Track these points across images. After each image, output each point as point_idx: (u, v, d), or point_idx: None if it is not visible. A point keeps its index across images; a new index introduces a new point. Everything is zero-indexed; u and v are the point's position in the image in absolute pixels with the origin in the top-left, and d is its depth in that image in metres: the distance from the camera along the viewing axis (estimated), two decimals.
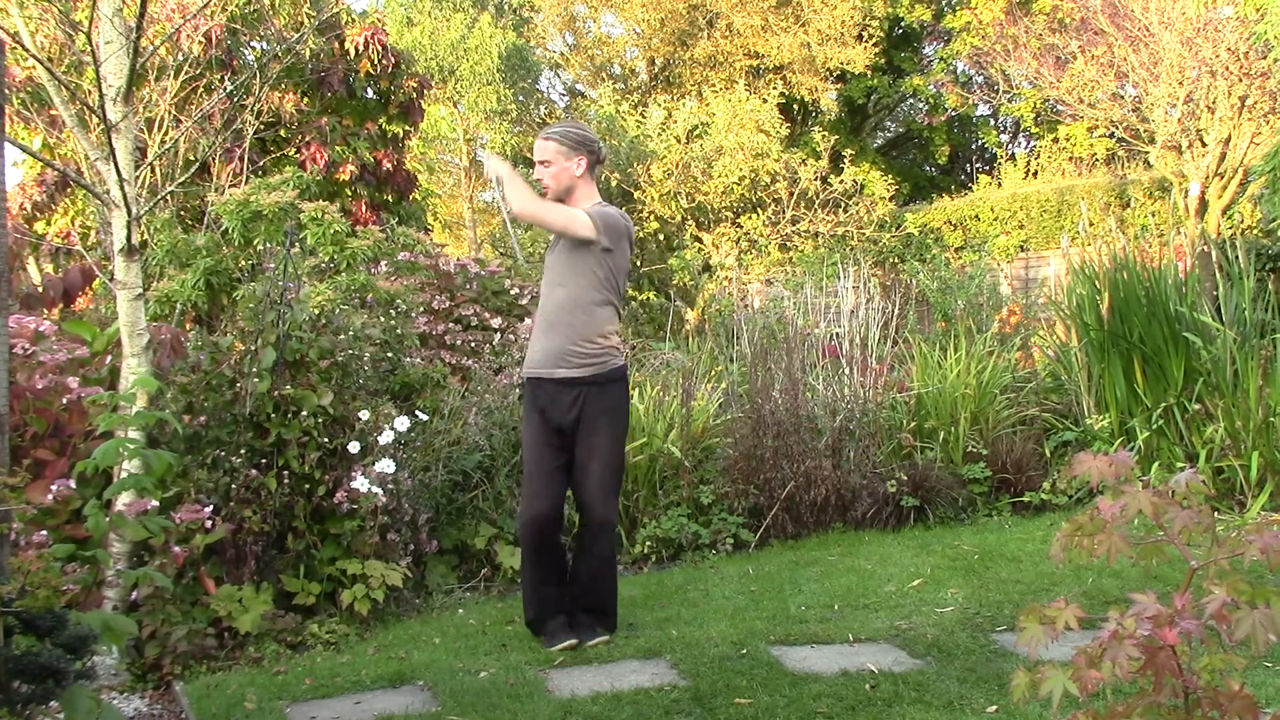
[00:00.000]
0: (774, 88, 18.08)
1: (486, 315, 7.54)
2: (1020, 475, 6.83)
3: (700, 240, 16.17)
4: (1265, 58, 13.12)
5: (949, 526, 6.52)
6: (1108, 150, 18.36)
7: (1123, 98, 16.24)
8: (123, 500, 4.30)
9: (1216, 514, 5.98)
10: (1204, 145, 14.77)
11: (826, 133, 18.91)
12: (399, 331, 6.28)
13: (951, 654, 4.14)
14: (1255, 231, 13.18)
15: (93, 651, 2.68)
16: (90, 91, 6.06)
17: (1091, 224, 13.80)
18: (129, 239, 4.51)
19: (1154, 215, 15.28)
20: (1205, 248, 8.78)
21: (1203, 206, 14.65)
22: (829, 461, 6.56)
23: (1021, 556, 5.60)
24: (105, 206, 4.63)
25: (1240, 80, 14.15)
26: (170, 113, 8.74)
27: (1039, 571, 5.27)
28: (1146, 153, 15.74)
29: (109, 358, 5.27)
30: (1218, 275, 7.37)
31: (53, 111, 8.63)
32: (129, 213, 4.47)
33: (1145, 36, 14.94)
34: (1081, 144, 19.11)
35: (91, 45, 4.21)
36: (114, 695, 4.14)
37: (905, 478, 6.57)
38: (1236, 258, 7.35)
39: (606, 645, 4.46)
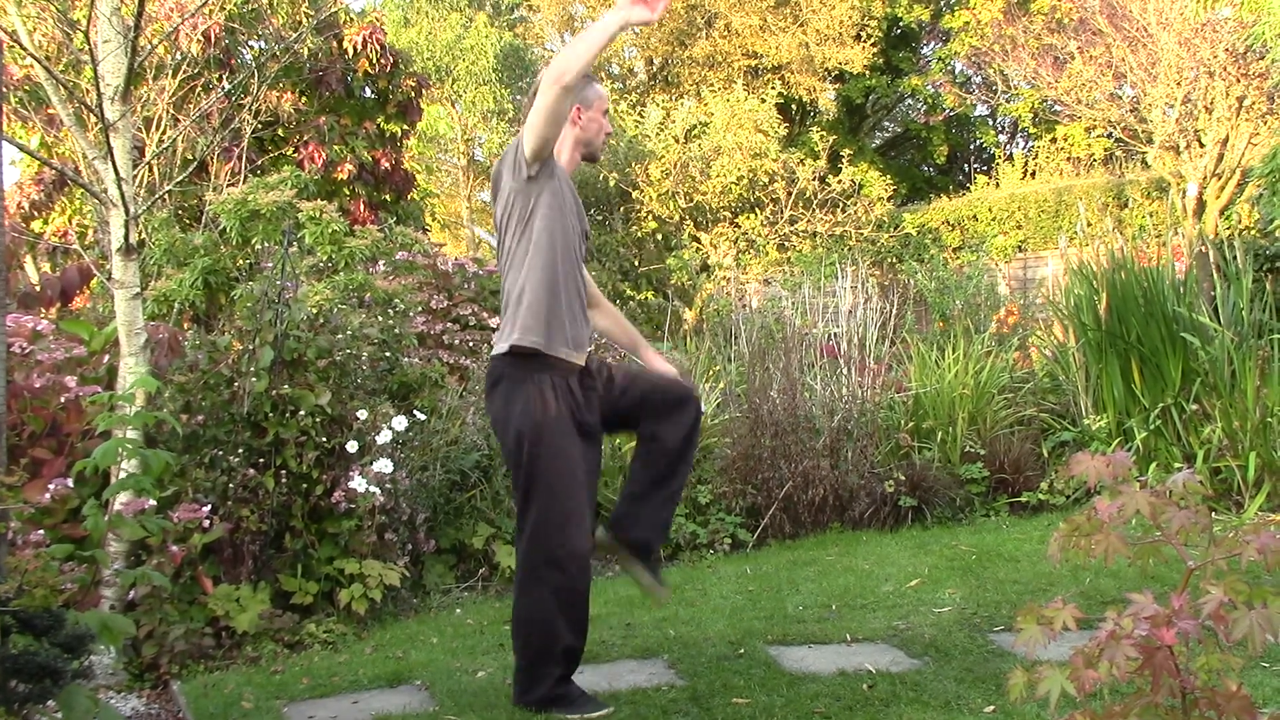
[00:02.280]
0: (772, 87, 18.08)
1: (484, 315, 7.54)
2: (1018, 475, 6.84)
3: (698, 240, 16.17)
4: (1263, 59, 13.14)
5: (947, 526, 6.53)
6: (1105, 150, 18.38)
7: (1120, 98, 16.24)
8: (120, 499, 4.29)
9: (1214, 514, 5.99)
10: (1202, 146, 14.79)
11: (825, 132, 18.92)
12: (397, 331, 6.28)
13: (949, 654, 4.14)
14: (1253, 232, 13.17)
15: (90, 651, 2.68)
16: (88, 90, 6.06)
17: (1089, 224, 13.82)
18: (126, 238, 4.50)
19: (1152, 215, 15.29)
20: (1203, 248, 8.78)
21: (1200, 207, 14.66)
22: (827, 461, 6.57)
23: (1019, 556, 5.61)
24: (103, 205, 4.63)
25: (1238, 81, 14.16)
26: (168, 112, 8.73)
27: (1036, 571, 5.27)
28: (1144, 153, 15.75)
29: (106, 357, 5.26)
30: (1215, 276, 7.37)
31: (50, 110, 8.62)
32: (127, 212, 4.46)
33: (1143, 37, 14.95)
34: (1079, 144, 19.13)
35: (89, 44, 4.21)
36: (111, 694, 4.14)
37: (903, 478, 6.58)
38: (1234, 258, 7.35)
39: (604, 645, 4.46)
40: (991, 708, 3.54)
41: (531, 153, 3.54)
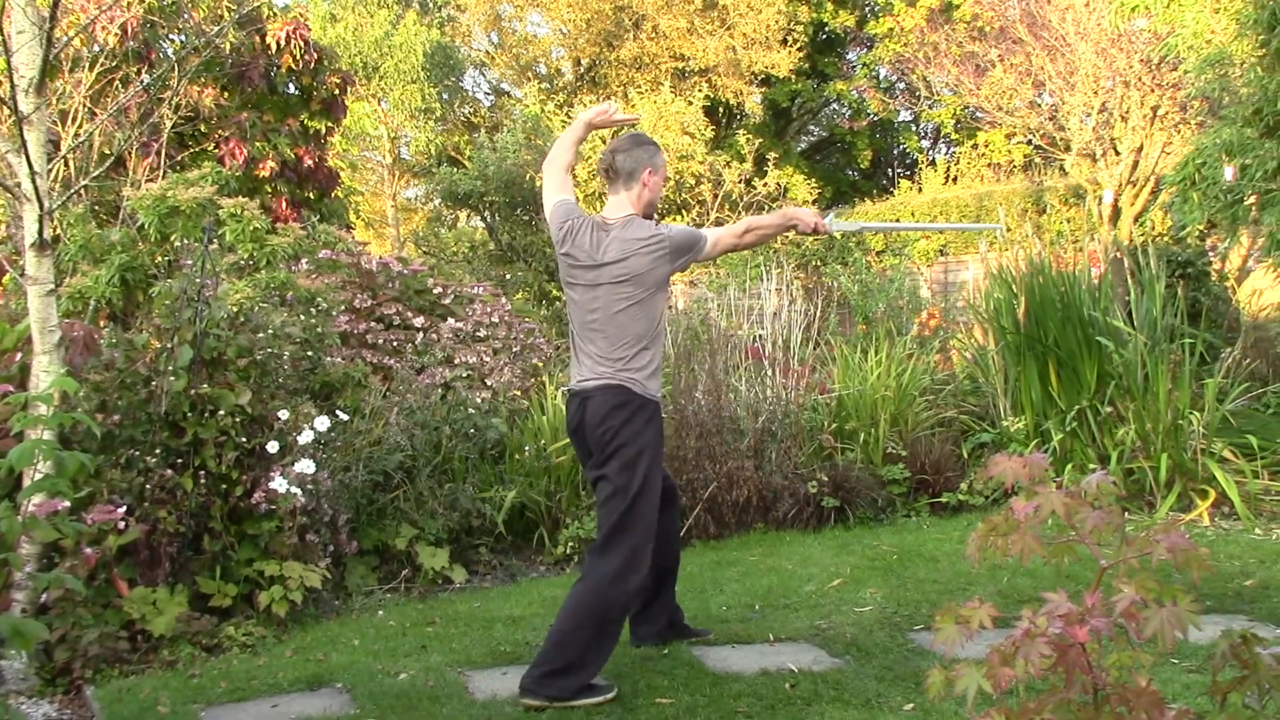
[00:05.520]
0: (699, 90, 18.16)
1: (409, 314, 7.48)
2: (938, 476, 6.93)
3: None
4: (1176, 70, 13.45)
5: (868, 527, 6.60)
6: (1025, 157, 18.72)
7: (1040, 106, 16.55)
8: (34, 501, 4.20)
9: (1126, 514, 6.12)
10: (1117, 154, 15.12)
11: (751, 136, 19.02)
12: (319, 330, 6.21)
13: (870, 653, 4.19)
14: (1166, 238, 13.49)
15: (1, 656, 2.62)
16: (1, 82, 5.92)
17: (1009, 229, 14.03)
18: (41, 233, 4.41)
19: (1069, 221, 15.59)
20: (1118, 254, 8.97)
21: (1116, 213, 14.98)
22: (751, 462, 6.60)
23: (939, 556, 5.68)
24: (16, 200, 4.53)
25: (1152, 91, 14.50)
26: (85, 105, 8.55)
27: (956, 571, 5.35)
28: (1062, 160, 16.07)
29: (19, 355, 5.14)
30: (1129, 281, 7.54)
31: None
32: (41, 207, 4.37)
33: (1062, 46, 15.25)
34: (1000, 150, 19.46)
35: (2, 35, 4.11)
36: (22, 700, 4.04)
37: (826, 479, 6.63)
38: (1148, 264, 7.52)
39: (527, 646, 4.45)
40: (911, 705, 3.59)
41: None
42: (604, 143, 12.44)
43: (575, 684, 3.77)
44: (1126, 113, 14.83)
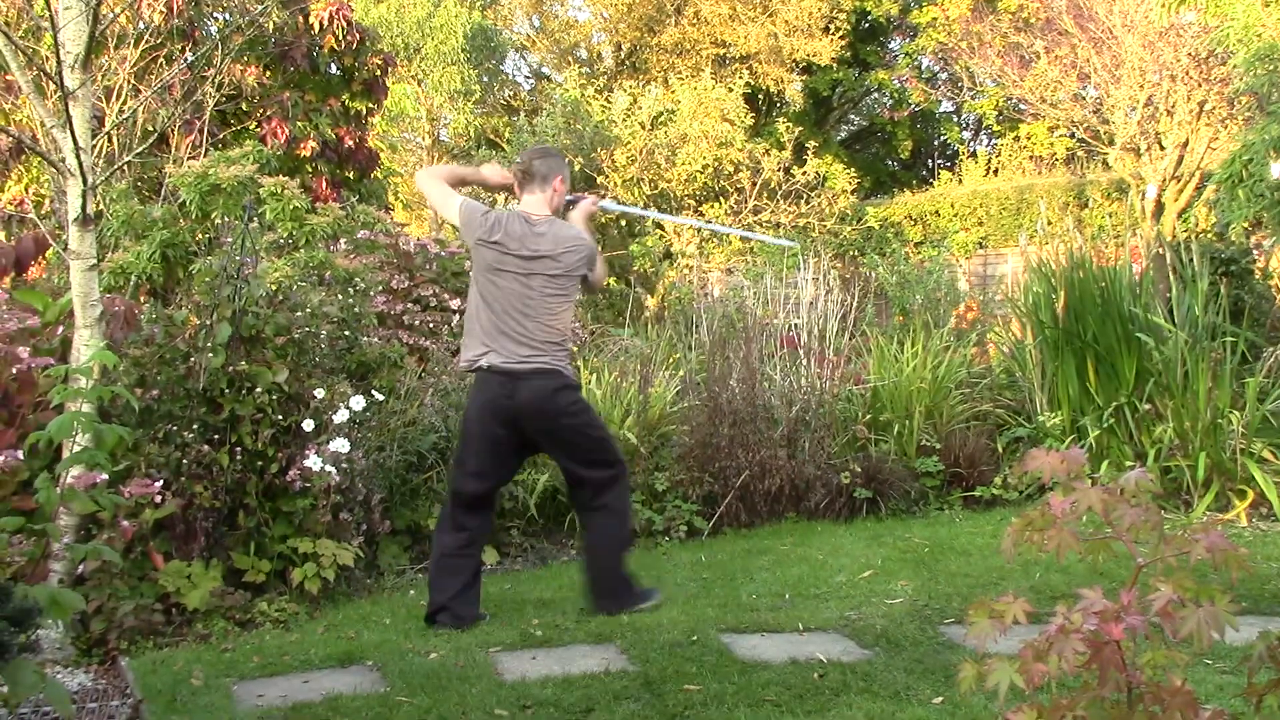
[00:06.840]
0: (740, 77, 18.09)
1: (446, 296, 7.50)
2: (972, 470, 6.89)
3: (662, 227, 16.18)
4: (1224, 64, 13.27)
5: (901, 519, 6.57)
6: (1068, 150, 18.54)
7: (1084, 99, 16.38)
8: (72, 473, 4.24)
9: (1164, 513, 6.06)
10: (1162, 148, 14.95)
11: (790, 124, 18.94)
12: (357, 310, 6.24)
13: (900, 645, 4.17)
14: (1209, 235, 13.33)
15: (37, 625, 2.65)
16: (48, 58, 5.96)
17: (1050, 223, 13.93)
18: (84, 208, 4.45)
19: (1111, 216, 15.44)
20: (1160, 250, 8.87)
21: (1159, 209, 14.83)
22: (784, 451, 6.59)
23: (971, 550, 5.65)
24: (60, 175, 4.57)
25: (1200, 85, 14.32)
26: (129, 82, 8.61)
27: (988, 565, 5.32)
28: (1105, 154, 15.91)
29: (60, 328, 5.20)
30: (1171, 277, 7.45)
31: (9, 77, 8.48)
32: (84, 181, 4.41)
33: (1108, 39, 15.09)
34: (1042, 143, 19.27)
35: (50, 10, 4.14)
36: (58, 669, 4.10)
37: (859, 469, 6.61)
38: (1190, 260, 7.43)
39: (557, 629, 4.46)
40: (940, 699, 3.57)
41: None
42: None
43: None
44: (1172, 107, 14.66)
